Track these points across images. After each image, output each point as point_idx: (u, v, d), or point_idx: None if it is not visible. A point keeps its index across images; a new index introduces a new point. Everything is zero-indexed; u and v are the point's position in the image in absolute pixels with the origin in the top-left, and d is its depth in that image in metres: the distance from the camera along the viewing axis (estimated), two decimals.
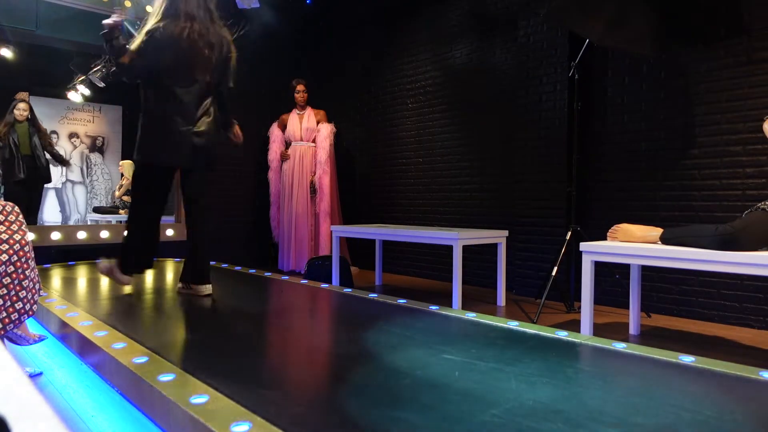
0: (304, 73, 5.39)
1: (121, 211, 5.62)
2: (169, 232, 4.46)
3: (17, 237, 1.63)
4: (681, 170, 3.25)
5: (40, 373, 1.97)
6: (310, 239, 5.01)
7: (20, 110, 4.86)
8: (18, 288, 1.62)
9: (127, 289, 2.89)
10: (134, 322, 2.17)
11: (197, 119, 2.66)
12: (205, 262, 2.83)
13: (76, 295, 2.68)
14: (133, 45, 2.57)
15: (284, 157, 5.13)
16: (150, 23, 2.61)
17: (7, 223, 1.64)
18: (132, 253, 2.79)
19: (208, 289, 2.78)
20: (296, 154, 5.06)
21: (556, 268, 3.19)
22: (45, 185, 5.13)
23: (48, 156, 5.02)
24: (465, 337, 2.00)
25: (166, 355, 1.60)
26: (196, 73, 2.64)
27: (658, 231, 2.42)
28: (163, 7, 2.61)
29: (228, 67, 2.80)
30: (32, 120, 4.98)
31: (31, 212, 4.98)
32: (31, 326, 2.05)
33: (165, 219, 4.50)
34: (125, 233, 2.81)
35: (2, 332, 1.60)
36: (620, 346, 1.83)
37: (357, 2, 5.43)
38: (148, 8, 4.34)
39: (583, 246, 2.52)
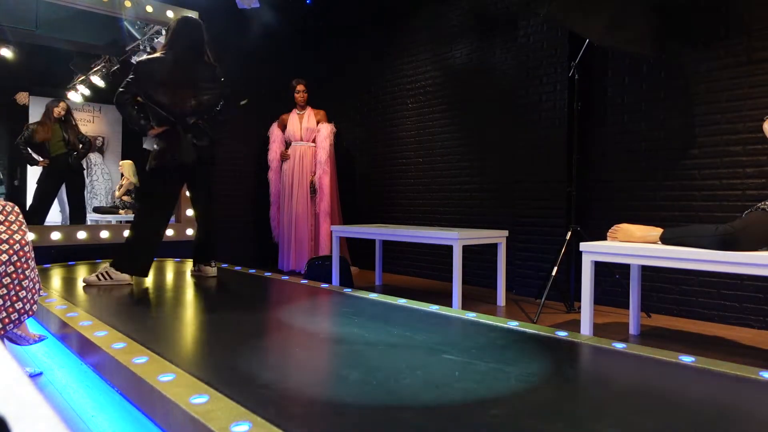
0: (304, 73, 5.39)
1: (121, 211, 5.62)
2: (169, 232, 4.46)
3: (17, 237, 1.63)
4: (681, 170, 3.25)
5: (40, 373, 1.97)
6: (310, 239, 5.00)
7: (60, 108, 5.01)
8: (18, 288, 1.62)
9: (127, 284, 2.98)
10: (134, 322, 2.17)
11: (193, 131, 3.12)
12: (215, 247, 3.42)
13: (76, 295, 2.68)
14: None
15: (284, 157, 5.13)
16: (153, 54, 3.21)
17: (7, 223, 1.64)
18: (130, 255, 3.05)
19: (214, 271, 3.37)
20: (296, 154, 5.06)
21: (556, 268, 3.19)
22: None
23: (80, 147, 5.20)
24: (465, 337, 2.00)
25: (166, 355, 1.60)
26: (182, 99, 3.09)
27: (658, 231, 2.42)
28: (165, 45, 3.16)
29: (216, 95, 3.22)
30: (67, 118, 5.08)
31: (79, 213, 5.14)
32: (31, 326, 2.05)
33: None
34: (128, 234, 3.11)
35: (2, 332, 1.60)
36: (620, 346, 1.83)
37: (357, 2, 5.43)
38: (149, 8, 4.35)
39: (583, 246, 2.52)
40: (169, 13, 4.39)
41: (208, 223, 3.37)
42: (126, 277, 3.01)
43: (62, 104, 5.02)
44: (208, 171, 3.30)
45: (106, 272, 2.99)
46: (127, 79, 3.02)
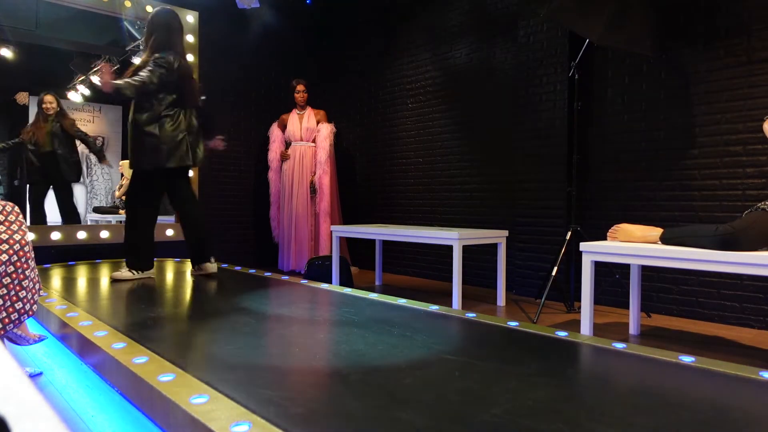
0: (304, 73, 5.40)
1: (121, 211, 5.62)
2: (169, 232, 4.46)
3: (17, 237, 1.63)
4: (681, 170, 3.25)
5: (40, 373, 1.97)
6: (310, 239, 5.01)
7: (47, 103, 4.68)
8: (18, 288, 1.62)
9: (128, 283, 3.06)
10: (134, 322, 2.17)
11: (186, 131, 3.10)
12: (209, 245, 3.38)
13: (76, 295, 2.68)
14: (144, 73, 2.94)
15: (284, 157, 5.13)
16: (149, 54, 3.06)
17: (7, 223, 1.64)
18: (136, 252, 3.17)
19: (215, 267, 3.35)
20: (296, 154, 5.06)
21: (556, 268, 3.19)
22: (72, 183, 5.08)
23: (80, 147, 4.97)
24: (465, 337, 2.00)
25: (166, 355, 1.60)
26: (187, 96, 3.10)
27: (658, 231, 2.42)
28: (168, 43, 3.06)
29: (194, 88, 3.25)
30: (61, 113, 4.90)
31: (70, 213, 4.96)
32: (31, 326, 2.05)
33: (165, 219, 4.51)
34: (127, 234, 3.20)
35: (2, 332, 1.60)
36: (620, 346, 1.83)
37: (357, 2, 5.43)
38: (148, 8, 4.35)
39: (583, 246, 2.52)
40: None
41: (200, 228, 3.30)
42: (139, 273, 3.17)
43: (47, 98, 4.71)
44: (186, 173, 3.26)
45: (121, 271, 3.14)
46: (160, 71, 2.93)
